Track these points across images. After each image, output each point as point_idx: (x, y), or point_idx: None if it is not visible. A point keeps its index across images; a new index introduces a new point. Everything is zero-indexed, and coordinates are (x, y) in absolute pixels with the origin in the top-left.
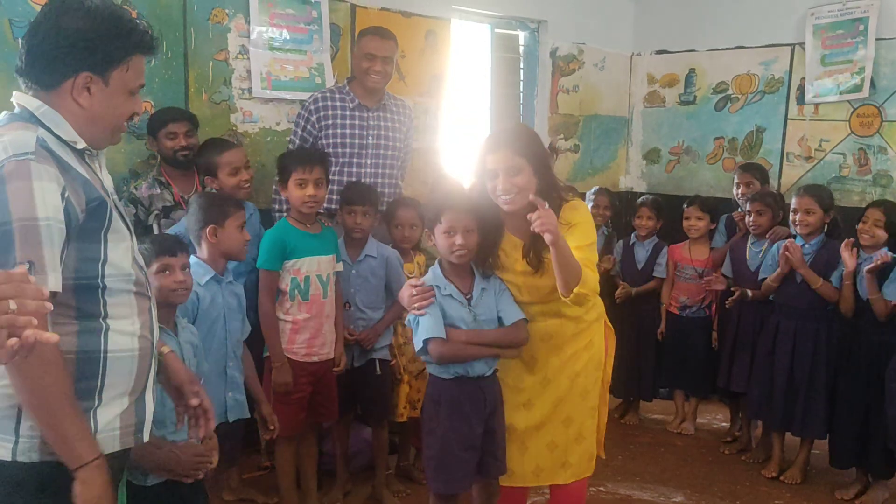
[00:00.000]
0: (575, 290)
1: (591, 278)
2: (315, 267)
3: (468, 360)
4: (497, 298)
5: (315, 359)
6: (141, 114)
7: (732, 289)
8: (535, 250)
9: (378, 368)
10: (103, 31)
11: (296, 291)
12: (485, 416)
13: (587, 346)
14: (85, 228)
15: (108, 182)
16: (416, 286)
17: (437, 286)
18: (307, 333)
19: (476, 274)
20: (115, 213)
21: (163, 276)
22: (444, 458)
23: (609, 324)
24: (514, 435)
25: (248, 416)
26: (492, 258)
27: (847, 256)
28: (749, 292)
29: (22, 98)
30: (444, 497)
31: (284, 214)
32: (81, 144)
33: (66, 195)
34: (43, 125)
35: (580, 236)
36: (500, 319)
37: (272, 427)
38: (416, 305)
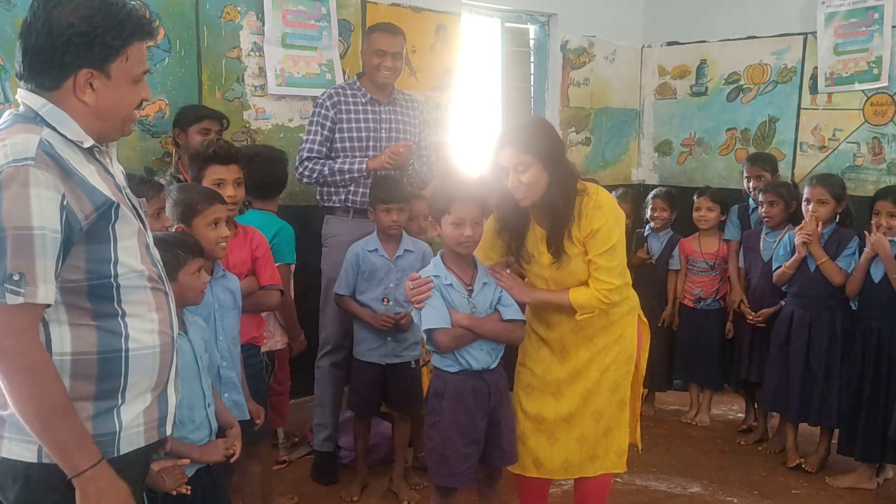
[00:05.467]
0: (577, 318)
1: (593, 295)
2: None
3: (469, 344)
4: (499, 293)
5: None
6: (150, 99)
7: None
8: (556, 242)
9: (413, 362)
10: (97, 24)
11: None
12: (489, 408)
13: (618, 339)
14: (93, 230)
15: (120, 176)
16: (413, 279)
17: (438, 275)
18: None
19: (478, 267)
20: (123, 209)
21: (196, 278)
22: (446, 452)
23: (644, 318)
24: (544, 425)
25: (248, 416)
26: (520, 250)
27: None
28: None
29: (27, 97)
30: (445, 489)
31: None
32: (88, 143)
33: (65, 203)
34: (48, 125)
35: (600, 242)
36: (498, 310)
37: (259, 422)
38: (415, 299)
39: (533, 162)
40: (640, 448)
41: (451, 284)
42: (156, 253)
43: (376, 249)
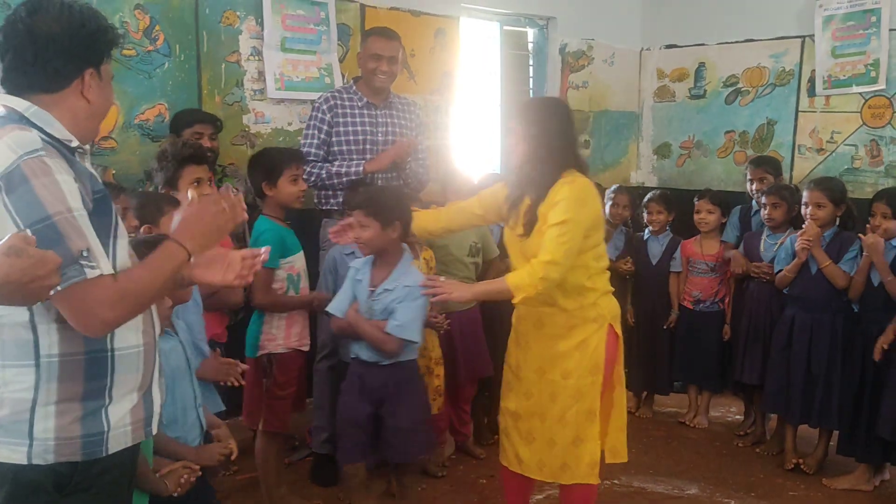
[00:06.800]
0: (516, 301)
1: (527, 271)
2: (301, 262)
3: (351, 338)
4: (401, 303)
5: (304, 349)
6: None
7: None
8: (529, 215)
9: None
10: (94, 28)
11: (290, 286)
12: (372, 399)
13: (579, 345)
14: (95, 227)
15: (98, 179)
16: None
17: (358, 269)
18: (299, 326)
19: (393, 273)
20: (113, 207)
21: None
22: (339, 429)
23: (618, 331)
24: (521, 423)
25: (224, 408)
26: (510, 213)
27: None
28: (762, 269)
29: (8, 100)
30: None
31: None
32: (75, 143)
33: (78, 186)
34: (34, 126)
35: (558, 213)
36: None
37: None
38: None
39: (516, 130)
40: (625, 458)
41: (360, 280)
42: (133, 254)
43: (353, 252)
